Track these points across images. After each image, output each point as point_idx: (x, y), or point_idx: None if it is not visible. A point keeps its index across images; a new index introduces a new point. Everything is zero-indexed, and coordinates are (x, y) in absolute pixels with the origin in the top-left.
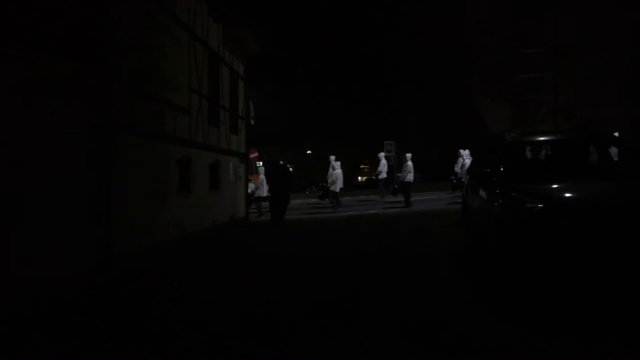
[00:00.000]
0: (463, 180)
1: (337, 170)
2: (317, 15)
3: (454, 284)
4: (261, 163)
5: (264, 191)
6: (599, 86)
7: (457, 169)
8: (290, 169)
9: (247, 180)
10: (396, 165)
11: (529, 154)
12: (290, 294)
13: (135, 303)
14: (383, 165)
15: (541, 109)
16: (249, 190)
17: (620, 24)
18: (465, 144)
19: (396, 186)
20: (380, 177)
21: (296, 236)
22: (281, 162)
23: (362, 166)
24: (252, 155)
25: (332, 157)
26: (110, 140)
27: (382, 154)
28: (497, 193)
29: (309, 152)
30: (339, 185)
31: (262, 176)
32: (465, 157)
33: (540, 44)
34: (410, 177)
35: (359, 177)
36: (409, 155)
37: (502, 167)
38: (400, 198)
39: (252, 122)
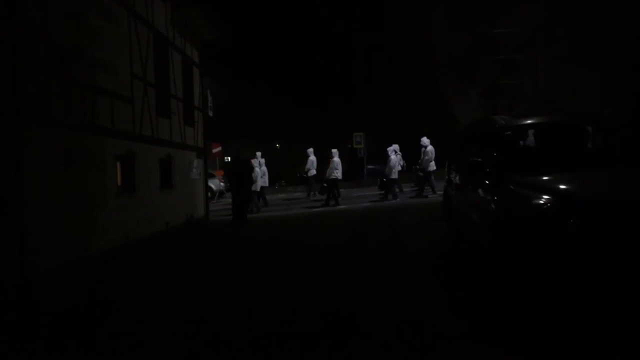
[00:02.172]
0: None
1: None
2: (282, 4)
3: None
4: (229, 158)
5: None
6: (578, 71)
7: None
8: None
9: (207, 177)
10: (366, 158)
11: (523, 140)
12: (241, 315)
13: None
14: (311, 162)
15: (520, 92)
16: (214, 188)
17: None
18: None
19: (324, 185)
20: (309, 174)
21: (257, 238)
22: (241, 156)
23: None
24: (215, 150)
25: (335, 151)
26: (18, 134)
27: (310, 150)
28: (492, 187)
29: (277, 145)
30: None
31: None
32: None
33: (516, 22)
34: (337, 173)
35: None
36: (335, 151)
37: (495, 156)
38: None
39: (210, 113)
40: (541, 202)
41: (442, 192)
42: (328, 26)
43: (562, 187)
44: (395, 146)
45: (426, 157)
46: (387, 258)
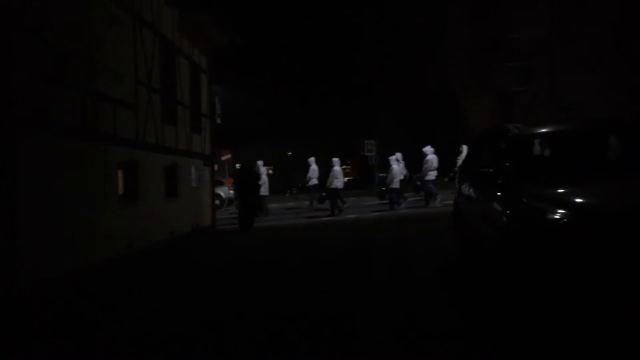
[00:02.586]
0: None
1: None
2: (292, 9)
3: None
4: (239, 165)
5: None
6: (590, 77)
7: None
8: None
9: (215, 185)
10: (377, 166)
11: (538, 149)
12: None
13: None
14: (313, 171)
15: (535, 99)
16: (224, 196)
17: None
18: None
19: (322, 195)
20: (310, 183)
21: (265, 247)
22: (247, 164)
23: (344, 167)
24: (224, 158)
25: (336, 160)
26: (13, 140)
27: (312, 159)
28: (505, 198)
29: (289, 153)
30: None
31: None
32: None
33: (529, 28)
34: (337, 183)
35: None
36: (336, 160)
37: (508, 166)
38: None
39: (218, 120)
40: (556, 216)
41: (446, 203)
42: (340, 31)
43: (579, 200)
44: (398, 155)
45: (425, 166)
46: (391, 272)
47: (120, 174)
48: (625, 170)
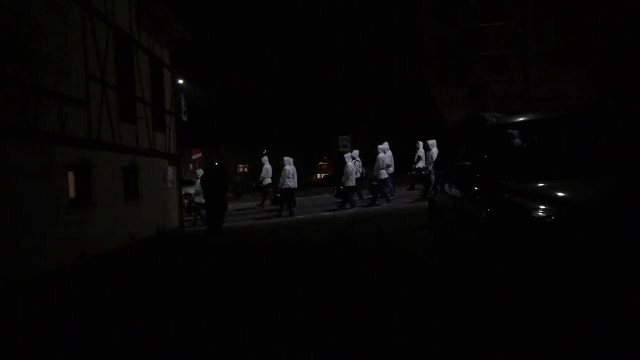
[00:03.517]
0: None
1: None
2: (268, 4)
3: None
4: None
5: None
6: (566, 70)
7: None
8: (246, 170)
9: (186, 184)
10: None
11: (518, 140)
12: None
13: None
14: (266, 171)
15: (509, 90)
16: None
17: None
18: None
19: (277, 196)
20: (265, 183)
21: (235, 250)
22: (217, 163)
23: (320, 163)
24: (195, 156)
25: (287, 159)
26: None
27: (265, 159)
28: (484, 195)
29: (265, 151)
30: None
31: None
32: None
33: (503, 18)
34: (290, 183)
35: (318, 175)
36: (287, 159)
37: (487, 159)
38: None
39: (184, 117)
40: (542, 214)
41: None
42: (315, 25)
43: (567, 195)
44: (355, 152)
45: (376, 165)
46: (355, 276)
47: (70, 176)
48: (616, 162)
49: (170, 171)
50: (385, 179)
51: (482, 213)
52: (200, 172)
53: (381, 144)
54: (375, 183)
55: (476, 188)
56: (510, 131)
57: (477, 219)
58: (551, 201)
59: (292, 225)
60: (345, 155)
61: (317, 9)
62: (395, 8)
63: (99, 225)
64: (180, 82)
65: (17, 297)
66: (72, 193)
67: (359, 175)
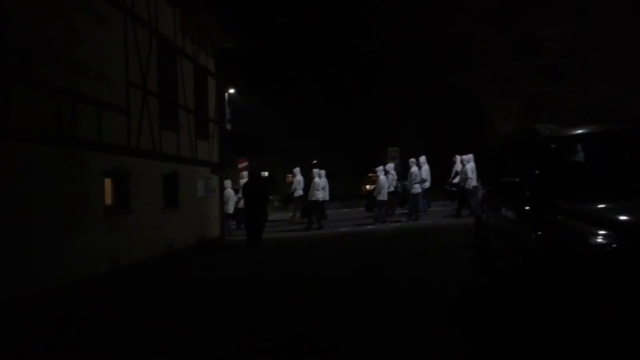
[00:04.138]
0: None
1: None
2: (308, 12)
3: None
4: (267, 173)
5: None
6: (624, 82)
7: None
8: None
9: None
10: (401, 173)
11: (574, 155)
12: None
13: None
14: (298, 182)
15: (565, 102)
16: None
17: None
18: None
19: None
20: (296, 194)
21: (278, 262)
22: (257, 174)
23: (370, 174)
24: (241, 165)
25: (316, 171)
26: None
27: (297, 169)
28: (534, 216)
29: (314, 161)
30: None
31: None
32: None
33: (560, 26)
34: (318, 195)
35: (367, 186)
36: (316, 170)
37: (538, 175)
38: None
39: (228, 126)
40: (600, 240)
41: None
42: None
43: (629, 219)
44: (389, 166)
45: (408, 179)
46: (383, 298)
47: (107, 183)
48: None
49: (213, 180)
50: (417, 193)
51: (531, 236)
52: (228, 183)
53: (416, 157)
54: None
55: (525, 207)
56: (565, 145)
57: (525, 242)
58: (611, 226)
59: (322, 239)
60: (378, 169)
61: (364, 19)
62: (446, 17)
63: (134, 233)
64: (231, 91)
65: (34, 305)
66: (108, 200)
67: (392, 189)
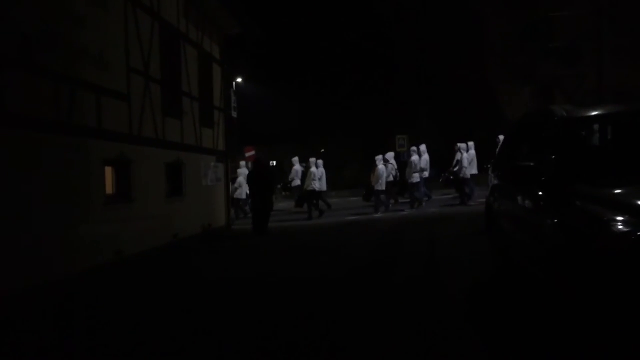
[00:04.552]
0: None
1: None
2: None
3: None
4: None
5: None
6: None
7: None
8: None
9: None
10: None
11: (593, 138)
12: None
13: None
14: (296, 172)
15: (580, 86)
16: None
17: None
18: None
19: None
20: (294, 184)
21: (284, 254)
22: (263, 161)
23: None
24: (248, 154)
25: (313, 160)
26: None
27: (295, 159)
28: (552, 202)
29: (322, 150)
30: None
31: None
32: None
33: (575, 8)
34: (315, 185)
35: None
36: (313, 160)
37: (556, 159)
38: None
39: (234, 114)
40: (624, 227)
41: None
42: (373, 25)
43: None
44: (390, 154)
45: (408, 169)
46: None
47: (108, 171)
48: None
49: (218, 168)
50: (417, 182)
51: (548, 223)
52: (243, 170)
53: (422, 145)
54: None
55: (541, 193)
56: (583, 126)
57: (542, 229)
58: (635, 211)
59: (326, 228)
60: (377, 158)
61: (377, 9)
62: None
63: (137, 223)
64: (239, 80)
65: (33, 298)
66: (109, 189)
67: (391, 178)
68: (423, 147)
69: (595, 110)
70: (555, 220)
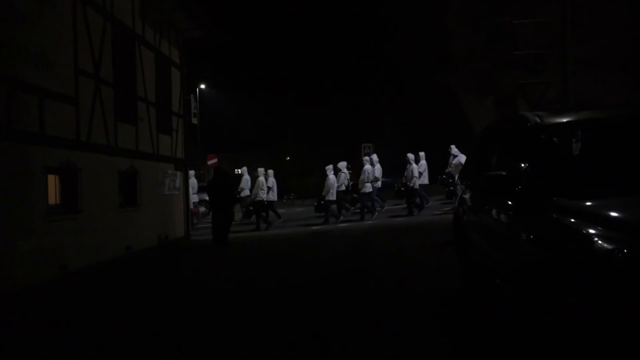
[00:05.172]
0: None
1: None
2: (289, 9)
3: None
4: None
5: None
6: (605, 76)
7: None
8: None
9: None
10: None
11: (568, 146)
12: None
13: None
14: (245, 181)
15: (545, 94)
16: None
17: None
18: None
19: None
20: (242, 194)
21: (239, 269)
22: (222, 170)
23: (350, 171)
24: (210, 162)
25: (261, 170)
26: None
27: (244, 169)
28: (526, 214)
29: (287, 158)
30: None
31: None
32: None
33: (539, 17)
34: (262, 194)
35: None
36: (261, 169)
37: (529, 168)
38: None
39: (194, 120)
40: (607, 244)
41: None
42: (336, 30)
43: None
44: (342, 164)
45: (361, 177)
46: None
47: (51, 180)
48: None
49: (177, 176)
50: (369, 192)
51: (521, 236)
52: (192, 180)
53: (371, 154)
54: (356, 195)
55: (514, 204)
56: (557, 134)
57: (513, 243)
58: (620, 226)
59: (282, 239)
60: (327, 167)
61: (341, 13)
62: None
63: (85, 235)
64: (202, 86)
65: None
66: (53, 199)
67: (343, 188)
68: (375, 157)
69: (568, 117)
70: (529, 233)
